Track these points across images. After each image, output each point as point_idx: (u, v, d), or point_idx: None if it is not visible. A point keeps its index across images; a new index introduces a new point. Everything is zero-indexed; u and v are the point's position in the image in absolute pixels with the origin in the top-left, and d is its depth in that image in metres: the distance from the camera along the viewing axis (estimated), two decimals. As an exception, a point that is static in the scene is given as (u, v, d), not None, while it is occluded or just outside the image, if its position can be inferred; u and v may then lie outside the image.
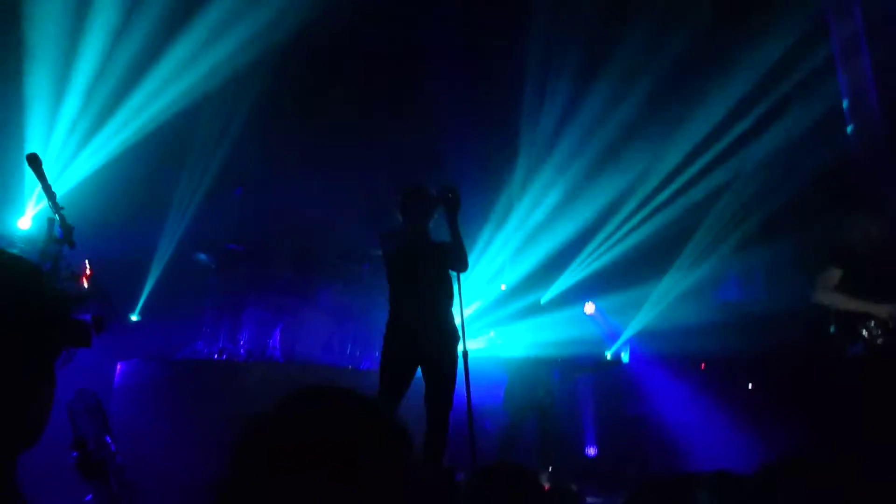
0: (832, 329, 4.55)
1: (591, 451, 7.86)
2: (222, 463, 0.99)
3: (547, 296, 7.83)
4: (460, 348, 4.25)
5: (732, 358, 7.64)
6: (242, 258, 6.73)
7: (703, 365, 7.95)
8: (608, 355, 7.00)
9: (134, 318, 6.89)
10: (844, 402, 4.63)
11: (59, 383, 1.35)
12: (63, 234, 3.23)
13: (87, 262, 3.39)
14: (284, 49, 7.18)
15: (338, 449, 0.89)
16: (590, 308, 8.36)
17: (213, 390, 5.54)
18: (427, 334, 4.26)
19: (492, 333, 7.80)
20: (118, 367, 5.83)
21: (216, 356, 6.37)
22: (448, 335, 4.31)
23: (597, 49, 7.75)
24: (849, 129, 6.75)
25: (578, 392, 7.74)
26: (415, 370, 4.25)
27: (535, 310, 7.08)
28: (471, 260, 5.05)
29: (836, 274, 4.47)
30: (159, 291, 7.00)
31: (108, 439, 3.50)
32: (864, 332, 4.32)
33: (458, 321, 4.36)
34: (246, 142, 7.48)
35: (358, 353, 6.95)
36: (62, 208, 3.26)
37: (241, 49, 7.12)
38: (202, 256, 6.69)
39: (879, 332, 4.30)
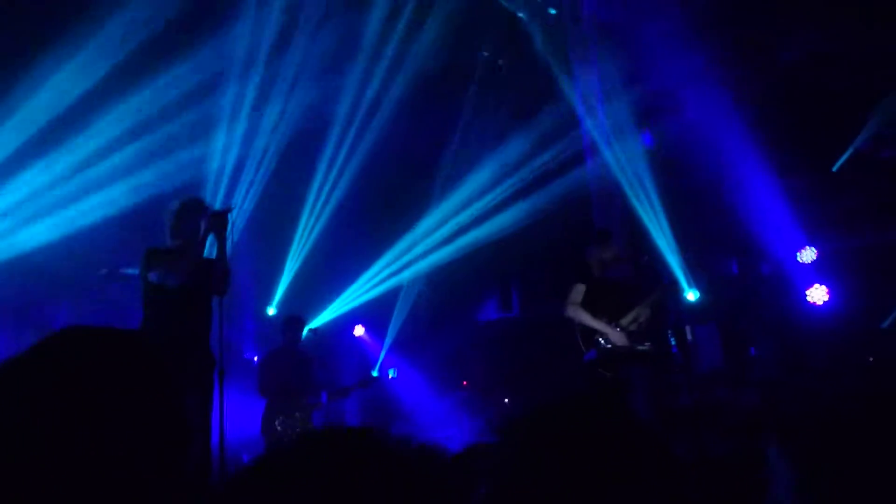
0: (577, 338, 5.33)
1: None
2: None
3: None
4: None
5: (491, 374, 8.22)
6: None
7: (464, 382, 8.39)
8: (374, 374, 7.06)
9: None
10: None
11: None
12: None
13: None
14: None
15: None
16: (359, 330, 8.40)
17: None
18: (190, 363, 3.97)
19: (255, 358, 7.48)
20: None
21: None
22: (209, 362, 4.10)
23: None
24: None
25: (344, 413, 7.69)
26: None
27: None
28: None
29: (581, 289, 5.28)
30: None
31: None
32: (601, 340, 5.18)
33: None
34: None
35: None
36: None
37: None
38: None
39: (609, 343, 5.20)
